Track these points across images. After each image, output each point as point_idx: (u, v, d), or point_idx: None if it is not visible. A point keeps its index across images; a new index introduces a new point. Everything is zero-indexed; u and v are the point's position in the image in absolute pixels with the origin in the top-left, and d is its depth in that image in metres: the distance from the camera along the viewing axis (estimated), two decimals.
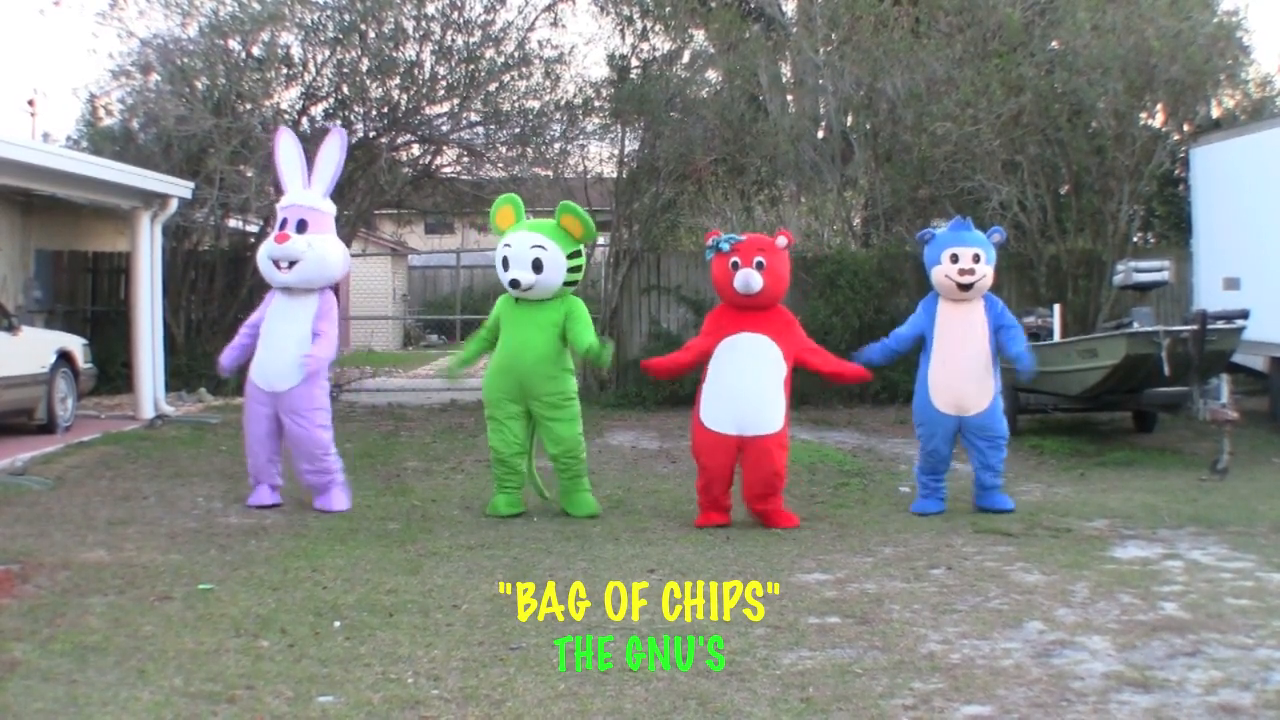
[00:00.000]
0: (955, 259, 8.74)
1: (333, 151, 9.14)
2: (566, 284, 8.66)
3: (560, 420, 8.66)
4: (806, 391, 15.43)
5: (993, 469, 8.80)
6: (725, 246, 8.38)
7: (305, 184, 9.11)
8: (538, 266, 8.46)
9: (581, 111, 17.37)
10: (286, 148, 9.21)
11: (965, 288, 8.73)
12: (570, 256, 8.58)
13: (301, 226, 8.85)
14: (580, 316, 8.68)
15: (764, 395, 8.28)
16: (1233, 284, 13.04)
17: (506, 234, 8.68)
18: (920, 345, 9.02)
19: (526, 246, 8.49)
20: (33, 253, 16.68)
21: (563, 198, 16.55)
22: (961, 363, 8.76)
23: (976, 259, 8.70)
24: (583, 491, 8.83)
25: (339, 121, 17.21)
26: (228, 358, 9.14)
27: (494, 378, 8.80)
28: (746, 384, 8.28)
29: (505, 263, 8.58)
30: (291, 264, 8.78)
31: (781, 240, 8.48)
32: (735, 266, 8.28)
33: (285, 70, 16.72)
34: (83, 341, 13.66)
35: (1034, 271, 15.65)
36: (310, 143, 14.42)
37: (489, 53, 16.96)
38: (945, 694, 4.84)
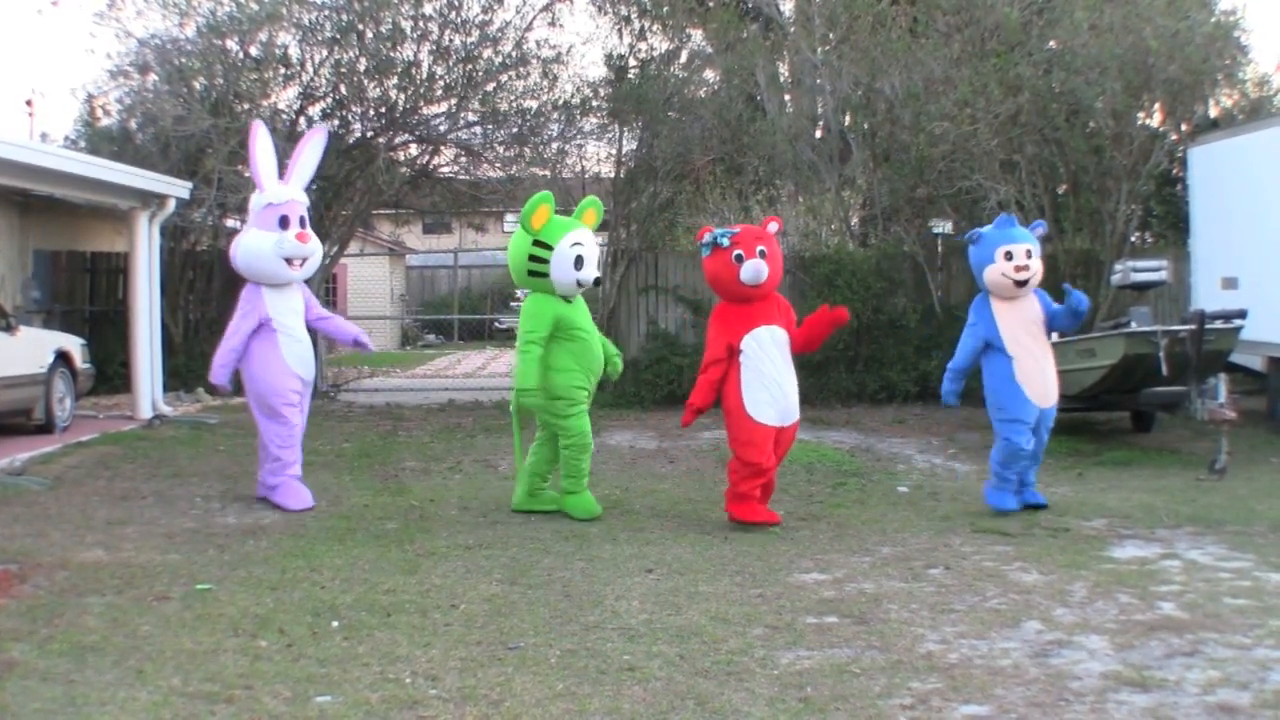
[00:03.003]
0: (1010, 256, 8.67)
1: (316, 149, 9.12)
2: None
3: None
4: (805, 391, 15.42)
5: (1040, 462, 9.05)
6: (725, 241, 8.24)
7: (277, 179, 9.06)
8: (598, 265, 8.59)
9: (579, 111, 17.36)
10: (264, 142, 9.09)
11: (1021, 284, 8.69)
12: None
13: (303, 223, 8.93)
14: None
15: (794, 386, 8.40)
16: (1231, 284, 13.05)
17: (568, 231, 8.48)
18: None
19: (595, 245, 8.62)
20: (31, 253, 16.66)
21: (560, 198, 16.66)
22: (1043, 356, 8.80)
23: (1029, 254, 8.68)
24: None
25: (336, 121, 17.22)
26: (225, 374, 8.88)
27: (581, 375, 8.59)
28: (785, 376, 8.31)
29: (579, 261, 8.44)
30: (303, 261, 8.88)
31: (773, 226, 8.49)
32: (739, 259, 8.13)
33: (283, 70, 16.71)
34: (81, 341, 13.65)
35: None
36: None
37: (487, 52, 16.96)
38: (943, 694, 4.85)
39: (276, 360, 8.84)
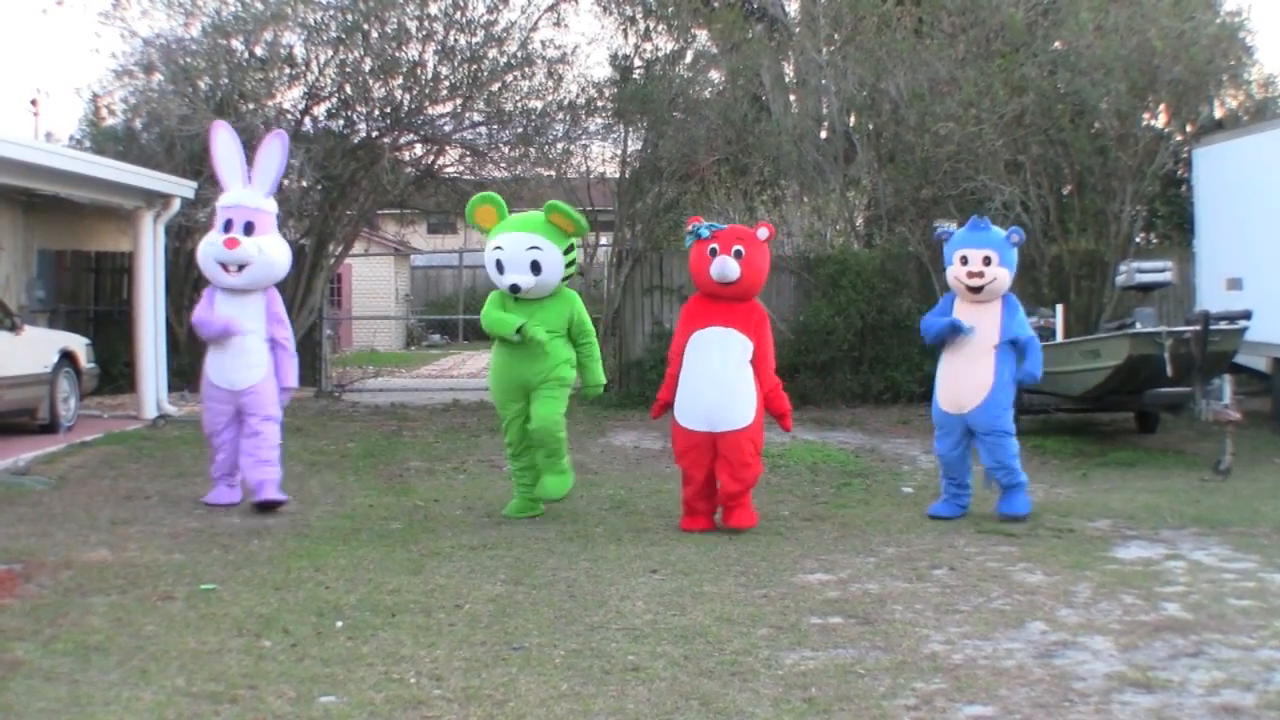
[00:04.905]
0: (965, 261, 8.58)
1: (275, 151, 9.02)
2: (564, 278, 8.53)
3: (547, 398, 8.42)
4: (808, 391, 15.45)
5: (1003, 465, 8.58)
6: (705, 233, 8.19)
7: (245, 181, 8.99)
8: (536, 268, 8.28)
9: (584, 111, 17.35)
10: (224, 143, 9.03)
11: (974, 290, 8.58)
12: (565, 252, 8.40)
13: (249, 229, 8.79)
14: (590, 344, 8.57)
15: (732, 390, 8.11)
16: (1235, 284, 13.03)
17: (494, 235, 8.50)
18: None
19: (522, 248, 8.30)
20: (35, 252, 16.69)
21: (565, 198, 16.66)
22: (961, 360, 8.65)
23: (987, 261, 8.48)
24: (555, 473, 8.50)
25: (341, 121, 17.23)
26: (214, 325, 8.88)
27: (498, 380, 8.64)
28: (715, 380, 8.11)
29: (499, 265, 8.39)
30: (241, 268, 8.76)
31: (763, 232, 8.26)
32: (714, 253, 8.09)
33: (288, 70, 16.72)
34: (85, 341, 13.67)
35: (1036, 272, 15.64)
36: (312, 143, 14.41)
37: (492, 53, 16.96)
38: (947, 694, 4.84)
39: (206, 364, 9.00)
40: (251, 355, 8.90)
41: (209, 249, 8.87)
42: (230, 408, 8.96)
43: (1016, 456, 8.67)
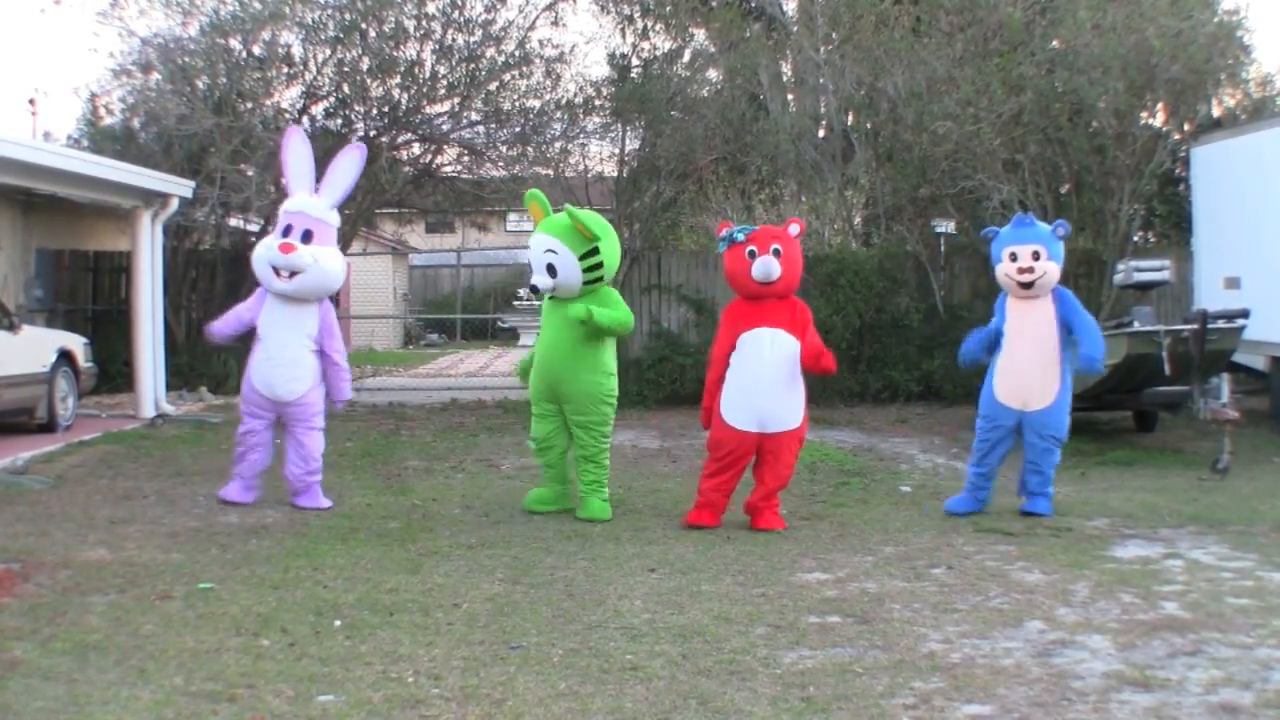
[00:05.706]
0: (1014, 257, 8.61)
1: (351, 166, 9.02)
2: (591, 281, 8.48)
3: (587, 426, 8.67)
4: (807, 390, 15.42)
5: (1041, 473, 8.68)
6: (740, 236, 8.24)
7: (312, 190, 8.96)
8: (552, 271, 8.41)
9: (582, 110, 17.37)
10: (297, 148, 9.00)
11: (1025, 286, 8.60)
12: (585, 256, 8.38)
13: (307, 237, 8.74)
14: (606, 300, 8.56)
15: (786, 393, 8.23)
16: (1233, 283, 13.03)
17: (533, 234, 8.68)
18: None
19: (540, 251, 8.45)
20: (34, 252, 16.68)
21: (564, 197, 16.67)
22: (1027, 357, 8.62)
23: (1036, 256, 8.53)
24: (601, 497, 8.74)
25: (339, 120, 17.23)
26: (223, 329, 9.09)
27: (532, 374, 8.83)
28: (769, 382, 8.18)
29: (530, 265, 8.63)
30: (293, 274, 8.70)
31: (794, 228, 8.42)
32: (752, 255, 8.14)
33: (286, 69, 16.74)
34: (84, 340, 13.66)
35: None
36: (310, 141, 14.40)
37: (489, 52, 16.98)
38: (946, 693, 4.84)
39: (248, 367, 8.96)
40: (300, 367, 8.85)
41: (264, 251, 8.78)
42: (270, 415, 8.94)
43: (1055, 467, 8.74)
